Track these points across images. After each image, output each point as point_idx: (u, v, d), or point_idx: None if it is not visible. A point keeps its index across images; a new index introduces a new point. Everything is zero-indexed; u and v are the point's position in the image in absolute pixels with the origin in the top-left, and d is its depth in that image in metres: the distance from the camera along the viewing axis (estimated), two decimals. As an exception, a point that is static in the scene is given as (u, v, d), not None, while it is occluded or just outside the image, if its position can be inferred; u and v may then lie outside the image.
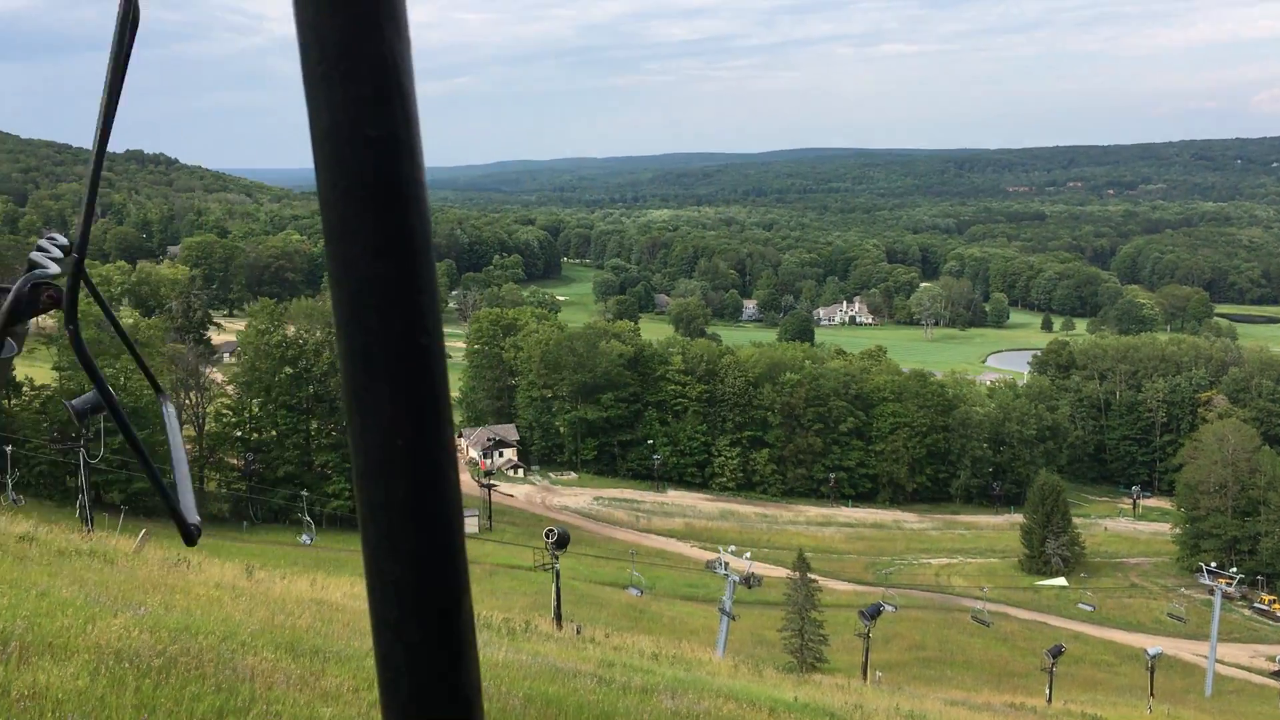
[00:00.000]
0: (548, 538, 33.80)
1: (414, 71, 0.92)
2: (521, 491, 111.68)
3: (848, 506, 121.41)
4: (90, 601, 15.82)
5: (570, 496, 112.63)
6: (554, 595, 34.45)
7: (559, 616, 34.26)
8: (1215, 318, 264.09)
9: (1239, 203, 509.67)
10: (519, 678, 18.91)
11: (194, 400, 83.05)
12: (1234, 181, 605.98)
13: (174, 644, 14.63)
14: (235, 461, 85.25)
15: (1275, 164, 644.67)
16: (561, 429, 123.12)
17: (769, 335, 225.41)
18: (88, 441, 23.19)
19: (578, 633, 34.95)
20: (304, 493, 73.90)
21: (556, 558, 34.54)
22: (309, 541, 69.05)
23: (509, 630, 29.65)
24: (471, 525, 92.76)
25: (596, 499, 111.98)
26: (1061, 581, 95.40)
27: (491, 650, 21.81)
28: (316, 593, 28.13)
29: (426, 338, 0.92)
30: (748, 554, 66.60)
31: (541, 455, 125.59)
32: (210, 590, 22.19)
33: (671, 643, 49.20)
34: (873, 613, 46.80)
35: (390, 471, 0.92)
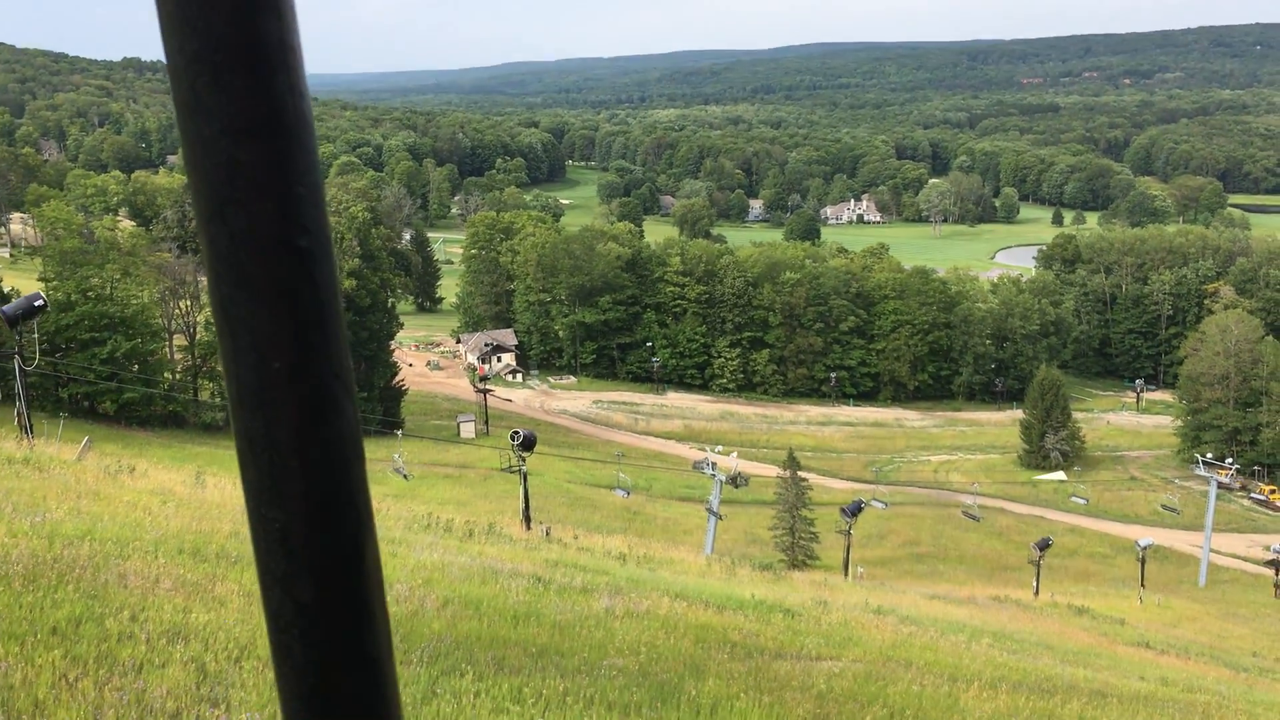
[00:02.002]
0: (513, 439, 33.41)
1: None
2: (520, 396, 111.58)
3: (849, 406, 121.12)
4: (-21, 509, 15.33)
5: (569, 400, 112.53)
6: (522, 497, 34.20)
7: (528, 519, 34.03)
8: (1229, 208, 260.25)
9: (1257, 90, 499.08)
10: (447, 580, 18.52)
11: (184, 309, 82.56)
12: (1253, 68, 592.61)
13: (63, 551, 14.18)
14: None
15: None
16: (560, 333, 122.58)
17: (775, 235, 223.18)
18: (21, 348, 22.71)
19: (546, 534, 34.73)
20: None
21: (523, 459, 34.19)
22: None
23: (467, 533, 29.33)
24: (469, 430, 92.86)
25: (595, 402, 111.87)
26: (1060, 476, 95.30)
27: (429, 553, 21.43)
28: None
29: (306, 238, 0.79)
30: (734, 453, 66.45)
31: (540, 360, 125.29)
32: (140, 497, 21.76)
33: (655, 544, 49.24)
34: (853, 510, 46.63)
35: (269, 400, 0.79)
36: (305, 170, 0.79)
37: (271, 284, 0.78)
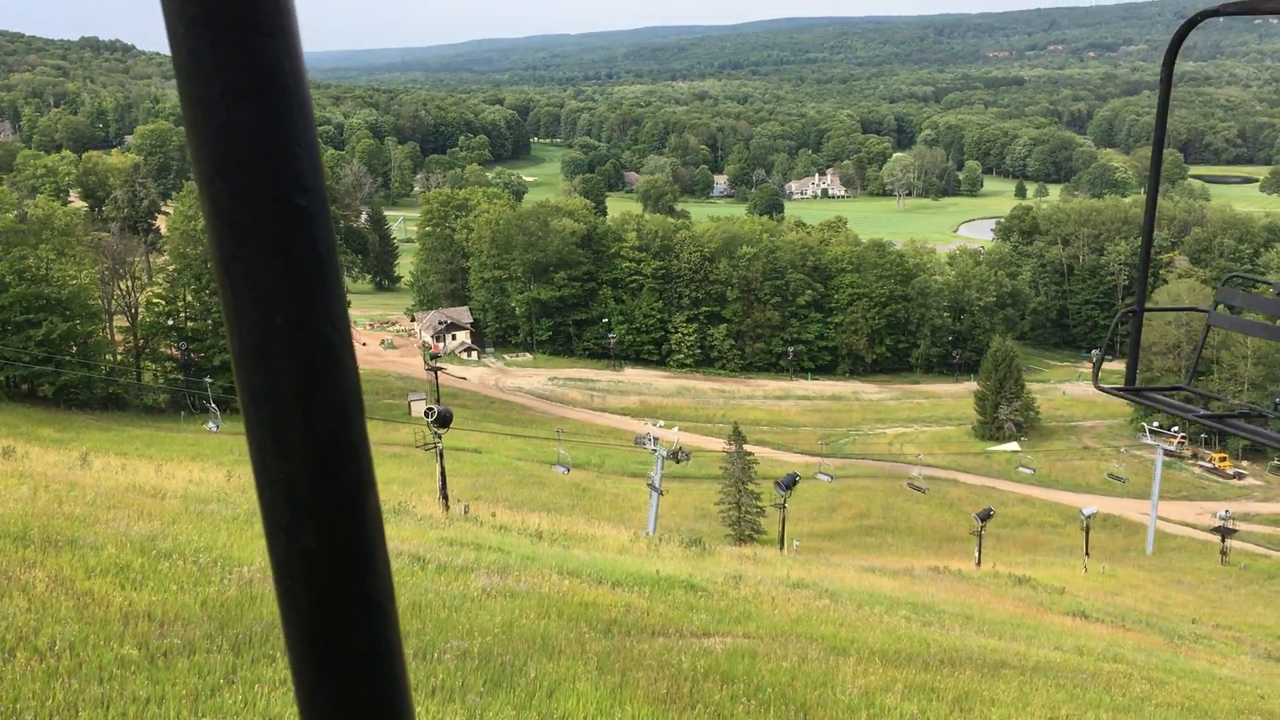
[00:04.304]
0: (428, 416, 32.64)
1: None
2: (475, 374, 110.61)
3: (807, 379, 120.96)
4: None
5: (524, 378, 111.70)
6: (439, 475, 33.46)
7: (445, 497, 33.32)
8: (1189, 179, 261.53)
9: (1219, 62, 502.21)
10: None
11: (125, 289, 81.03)
12: (1216, 40, 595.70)
13: None
14: (172, 352, 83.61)
15: (1259, 21, 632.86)
16: (516, 310, 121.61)
17: (739, 210, 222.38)
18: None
19: (465, 512, 34.08)
20: (207, 379, 72.62)
21: (439, 437, 33.43)
22: (215, 429, 68.04)
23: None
24: (420, 409, 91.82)
25: (551, 379, 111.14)
26: (1013, 446, 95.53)
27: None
28: (158, 480, 26.93)
29: (305, 197, 0.80)
30: (675, 427, 65.99)
31: (496, 337, 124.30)
32: (-1, 480, 20.87)
33: (594, 521, 48.65)
34: (787, 483, 46.23)
35: (271, 354, 0.80)
36: (302, 131, 0.79)
37: (272, 241, 0.79)
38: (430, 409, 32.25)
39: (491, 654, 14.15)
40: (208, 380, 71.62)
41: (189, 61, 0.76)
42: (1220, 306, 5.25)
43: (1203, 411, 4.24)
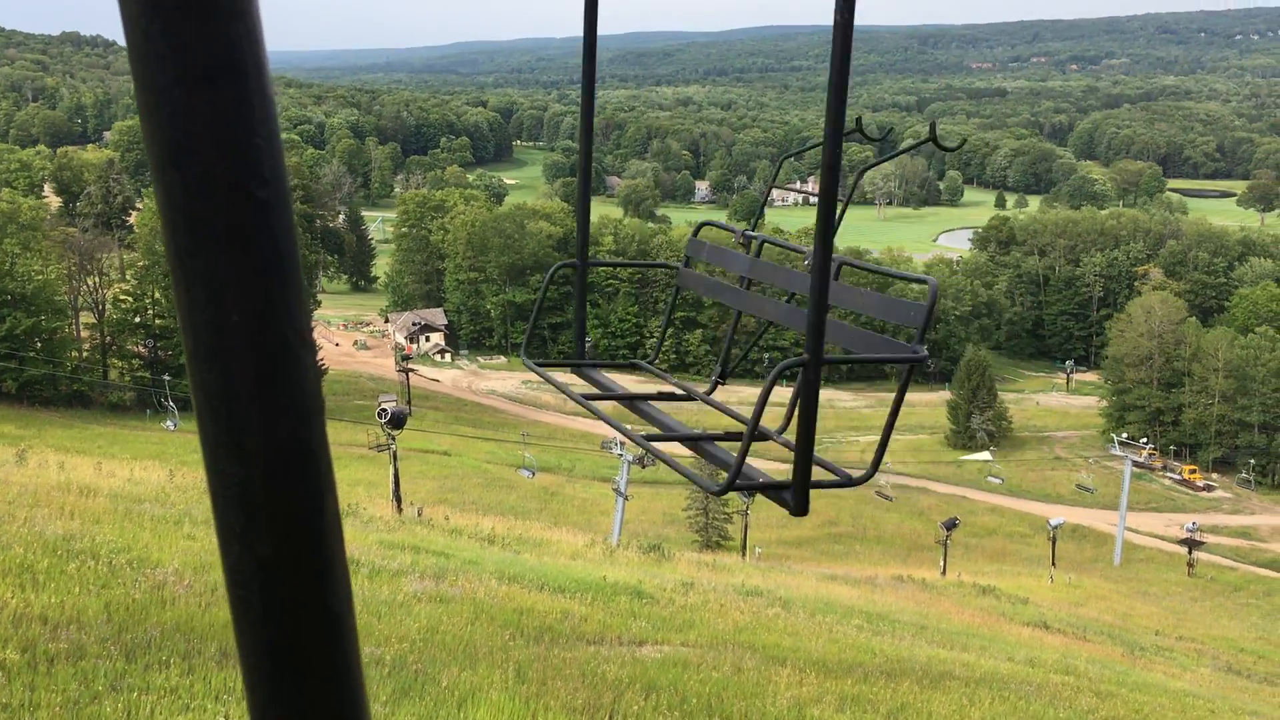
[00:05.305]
0: (380, 417, 32.18)
1: None
2: (448, 376, 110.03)
3: (782, 386, 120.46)
4: None
5: (498, 380, 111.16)
6: (391, 478, 32.99)
7: (398, 499, 32.86)
8: (1167, 193, 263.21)
9: (1200, 76, 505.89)
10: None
11: (92, 286, 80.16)
12: (1197, 55, 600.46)
13: None
14: (139, 349, 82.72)
15: (1239, 36, 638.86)
16: (491, 312, 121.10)
17: (720, 217, 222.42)
18: None
19: (418, 515, 33.66)
20: (166, 377, 71.87)
21: (393, 438, 32.97)
22: (173, 427, 67.32)
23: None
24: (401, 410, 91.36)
25: (525, 382, 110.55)
26: (985, 456, 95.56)
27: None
28: (96, 478, 26.39)
29: (265, 188, 0.75)
30: (642, 433, 65.49)
31: (471, 339, 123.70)
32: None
33: (558, 527, 48.24)
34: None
35: (227, 353, 0.76)
36: (263, 120, 0.76)
37: (229, 234, 0.75)
38: (383, 409, 31.77)
39: (406, 662, 13.71)
40: (166, 378, 70.85)
41: (142, 44, 0.72)
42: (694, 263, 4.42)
43: (595, 392, 3.65)
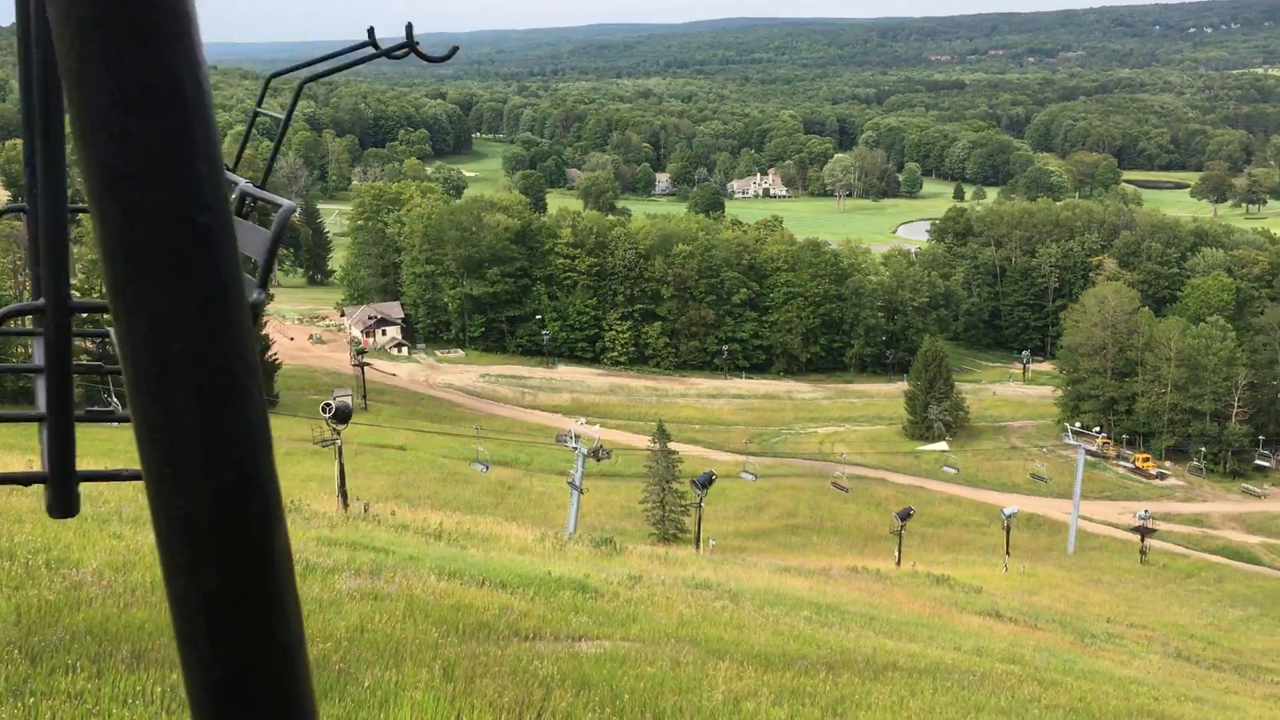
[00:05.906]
0: (324, 411, 31.69)
1: None
2: (405, 370, 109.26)
3: (741, 378, 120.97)
4: None
5: (455, 374, 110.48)
6: (337, 473, 32.53)
7: (344, 495, 32.41)
8: (1122, 184, 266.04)
9: (1154, 69, 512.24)
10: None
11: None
12: (1151, 48, 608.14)
13: None
14: (87, 344, 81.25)
15: (1192, 29, 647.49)
16: (448, 305, 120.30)
17: (680, 209, 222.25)
18: None
19: (365, 511, 33.23)
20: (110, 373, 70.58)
21: (338, 433, 32.51)
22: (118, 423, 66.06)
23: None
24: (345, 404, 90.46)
25: (483, 376, 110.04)
26: (942, 446, 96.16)
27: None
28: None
29: (207, 214, 0.73)
30: (596, 425, 65.47)
31: (428, 333, 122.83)
32: None
33: (513, 522, 47.86)
34: (704, 482, 45.86)
35: (170, 383, 0.73)
36: (204, 144, 0.73)
37: (170, 262, 0.72)
38: (327, 404, 31.30)
39: (329, 661, 13.36)
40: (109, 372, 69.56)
41: (76, 67, 0.69)
42: None
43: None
